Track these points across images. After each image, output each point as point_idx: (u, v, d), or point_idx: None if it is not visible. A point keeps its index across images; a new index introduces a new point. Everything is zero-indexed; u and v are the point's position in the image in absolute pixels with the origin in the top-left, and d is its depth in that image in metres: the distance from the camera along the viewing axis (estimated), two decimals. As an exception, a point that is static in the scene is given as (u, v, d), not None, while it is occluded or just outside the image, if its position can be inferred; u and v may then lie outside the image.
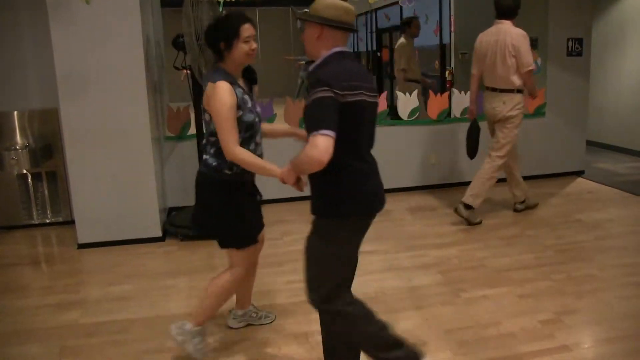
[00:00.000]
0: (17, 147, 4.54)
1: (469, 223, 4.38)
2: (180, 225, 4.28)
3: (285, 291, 3.30)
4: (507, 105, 4.30)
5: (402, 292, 3.26)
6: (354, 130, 1.99)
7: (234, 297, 2.82)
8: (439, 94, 5.47)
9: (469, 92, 5.44)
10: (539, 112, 5.72)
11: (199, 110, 3.65)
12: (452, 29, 7.71)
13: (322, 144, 1.83)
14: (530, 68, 4.18)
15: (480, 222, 4.42)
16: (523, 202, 4.73)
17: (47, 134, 4.66)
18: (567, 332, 2.74)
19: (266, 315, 2.97)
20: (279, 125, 4.44)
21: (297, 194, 2.42)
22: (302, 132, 2.30)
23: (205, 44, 2.68)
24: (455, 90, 5.58)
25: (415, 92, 5.46)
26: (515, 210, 4.72)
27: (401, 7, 8.66)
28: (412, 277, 3.46)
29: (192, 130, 4.64)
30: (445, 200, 5.12)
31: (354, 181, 2.03)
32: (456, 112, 5.48)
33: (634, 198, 5.04)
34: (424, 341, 2.69)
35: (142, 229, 4.25)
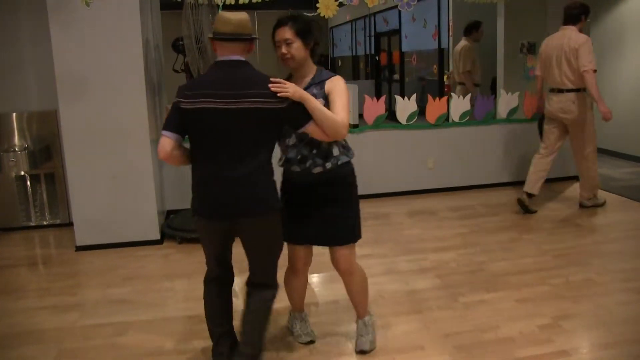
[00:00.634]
0: (16, 149, 4.53)
1: (597, 205, 4.88)
2: (179, 228, 4.27)
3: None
4: (577, 105, 4.55)
5: (401, 296, 3.26)
6: (198, 134, 2.17)
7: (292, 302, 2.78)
8: (437, 98, 5.47)
9: (467, 96, 5.52)
10: (537, 117, 5.72)
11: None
12: (451, 33, 7.75)
13: (160, 142, 2.17)
14: (585, 68, 4.37)
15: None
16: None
17: (45, 135, 4.65)
18: (566, 337, 2.74)
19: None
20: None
21: None
22: None
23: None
24: (453, 95, 5.59)
25: (468, 96, 5.54)
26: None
27: (399, 12, 8.70)
28: (411, 281, 3.46)
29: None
30: (443, 204, 5.13)
31: (195, 183, 2.24)
32: (454, 116, 5.48)
33: (632, 203, 5.05)
34: (422, 345, 2.69)
35: (141, 231, 4.25)
